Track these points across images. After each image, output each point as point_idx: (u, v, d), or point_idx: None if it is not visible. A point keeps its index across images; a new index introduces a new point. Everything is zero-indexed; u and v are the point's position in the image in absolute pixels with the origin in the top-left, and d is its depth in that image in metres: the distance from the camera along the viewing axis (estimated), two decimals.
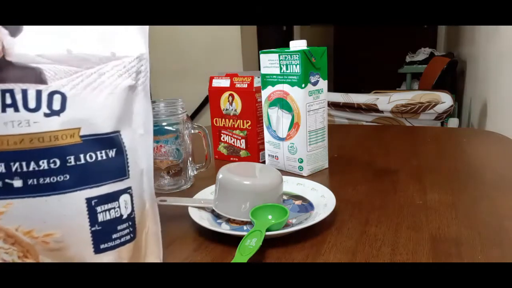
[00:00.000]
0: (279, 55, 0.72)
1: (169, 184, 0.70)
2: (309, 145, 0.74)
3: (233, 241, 0.49)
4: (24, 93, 0.33)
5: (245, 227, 0.54)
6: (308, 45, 0.72)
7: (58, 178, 0.34)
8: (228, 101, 0.83)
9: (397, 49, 4.60)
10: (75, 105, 0.35)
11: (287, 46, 0.74)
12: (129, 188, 0.39)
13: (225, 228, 0.54)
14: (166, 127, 0.68)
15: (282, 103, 0.74)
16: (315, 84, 0.72)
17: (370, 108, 1.63)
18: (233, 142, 0.85)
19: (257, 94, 0.80)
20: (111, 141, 0.37)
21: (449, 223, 0.53)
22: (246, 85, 0.80)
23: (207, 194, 0.62)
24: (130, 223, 0.39)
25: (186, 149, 0.70)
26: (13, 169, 0.33)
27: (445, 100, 1.52)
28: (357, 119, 1.69)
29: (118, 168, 0.38)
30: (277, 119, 0.76)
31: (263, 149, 0.82)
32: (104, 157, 0.37)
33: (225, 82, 0.83)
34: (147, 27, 0.39)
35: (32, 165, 0.34)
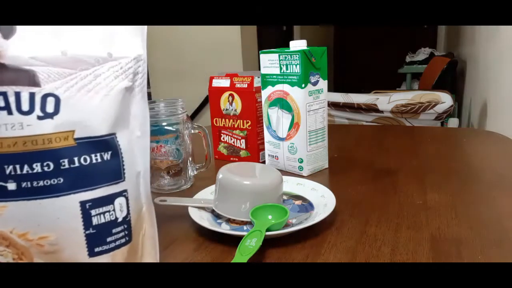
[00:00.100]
0: (279, 55, 0.72)
1: (169, 184, 0.70)
2: (309, 145, 0.74)
3: (233, 241, 0.49)
4: (17, 95, 0.33)
5: (245, 227, 0.54)
6: (308, 45, 0.72)
7: (52, 181, 0.34)
8: (228, 101, 0.83)
9: (397, 49, 4.61)
10: (69, 107, 0.34)
11: (287, 46, 0.74)
12: (125, 191, 0.38)
13: (225, 228, 0.54)
14: (166, 127, 0.68)
15: (282, 103, 0.74)
16: (315, 84, 0.72)
17: (370, 108, 1.63)
18: (233, 142, 0.85)
19: (257, 94, 0.80)
20: (106, 143, 0.37)
21: (449, 223, 0.53)
22: (246, 85, 0.80)
23: (207, 194, 0.62)
24: (126, 226, 0.39)
25: (186, 149, 0.70)
26: (7, 172, 0.33)
27: (445, 100, 1.52)
28: (357, 119, 1.69)
29: (114, 171, 0.37)
30: (277, 119, 0.76)
31: (263, 149, 0.82)
32: (99, 160, 0.36)
33: (225, 82, 0.83)
34: (145, 27, 0.39)
35: (26, 168, 0.33)
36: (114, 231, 0.38)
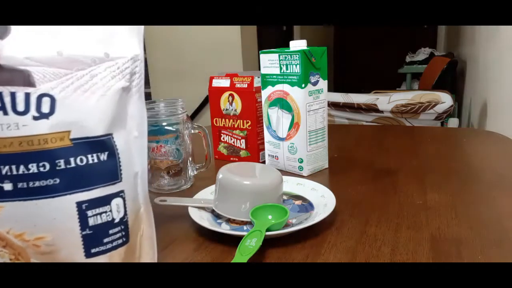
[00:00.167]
0: (279, 55, 0.72)
1: (169, 184, 0.70)
2: (309, 145, 0.74)
3: (233, 241, 0.49)
4: (13, 96, 0.33)
5: (245, 227, 0.54)
6: (308, 45, 0.72)
7: (48, 181, 0.34)
8: (228, 101, 0.83)
9: (397, 49, 4.60)
10: (64, 107, 0.34)
11: (287, 46, 0.74)
12: (122, 191, 0.38)
13: (225, 228, 0.54)
14: (166, 127, 0.68)
15: (282, 103, 0.74)
16: (315, 84, 0.72)
17: (370, 108, 1.63)
18: (233, 142, 0.85)
19: (257, 94, 0.80)
20: (103, 144, 0.37)
21: (449, 223, 0.53)
22: (246, 85, 0.80)
23: (207, 194, 0.62)
24: (123, 227, 0.38)
25: (186, 149, 0.70)
26: (3, 172, 0.33)
27: (445, 100, 1.52)
28: (357, 119, 1.69)
29: (110, 172, 0.37)
30: (277, 119, 0.76)
31: (263, 149, 0.82)
32: (96, 161, 0.36)
33: (225, 82, 0.83)
34: (142, 27, 0.39)
35: (22, 168, 0.33)
36: (111, 232, 0.37)
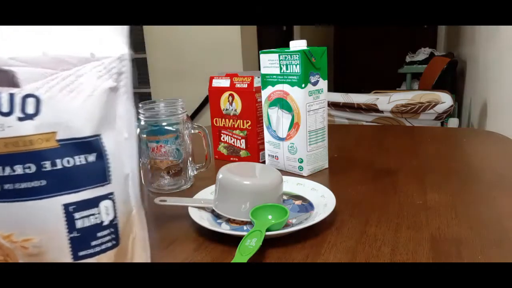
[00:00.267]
0: (279, 55, 0.72)
1: (169, 184, 0.70)
2: (309, 145, 0.74)
3: (233, 241, 0.49)
4: None
5: (245, 227, 0.54)
6: (308, 45, 0.72)
7: (34, 183, 0.34)
8: (228, 101, 0.83)
9: (397, 49, 4.60)
10: (50, 108, 0.34)
11: (287, 46, 0.74)
12: (111, 193, 0.37)
13: (225, 228, 0.54)
14: (166, 127, 0.68)
15: (282, 103, 0.74)
16: (315, 84, 0.72)
17: (370, 108, 1.63)
18: (233, 142, 0.85)
19: (257, 94, 0.80)
20: (90, 145, 0.36)
21: (449, 223, 0.53)
22: (246, 85, 0.80)
23: (207, 194, 0.62)
24: (113, 229, 0.38)
25: (186, 149, 0.70)
26: None
27: (445, 100, 1.52)
28: (357, 119, 1.69)
29: (99, 173, 0.37)
30: (277, 119, 0.76)
31: (263, 149, 0.82)
32: (83, 162, 0.35)
33: (225, 82, 0.83)
34: (126, 27, 0.38)
35: (8, 170, 0.33)
36: (99, 234, 0.37)
